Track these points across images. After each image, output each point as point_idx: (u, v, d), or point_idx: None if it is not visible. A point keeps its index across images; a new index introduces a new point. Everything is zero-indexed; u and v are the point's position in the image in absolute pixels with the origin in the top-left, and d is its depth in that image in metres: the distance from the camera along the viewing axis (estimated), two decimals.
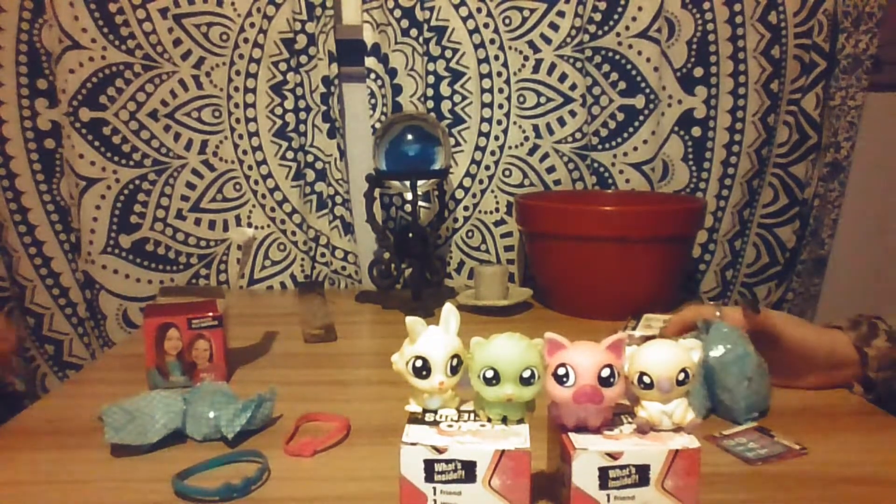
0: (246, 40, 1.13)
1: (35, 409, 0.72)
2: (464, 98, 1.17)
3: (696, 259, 1.24)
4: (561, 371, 0.47)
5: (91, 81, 1.10)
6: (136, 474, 0.58)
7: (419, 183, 1.08)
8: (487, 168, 1.20)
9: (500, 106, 1.17)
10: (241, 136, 1.17)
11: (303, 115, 1.15)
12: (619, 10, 1.13)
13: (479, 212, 1.22)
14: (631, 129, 1.17)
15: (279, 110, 1.16)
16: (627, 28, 1.13)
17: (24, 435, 0.66)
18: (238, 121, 1.16)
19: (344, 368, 0.85)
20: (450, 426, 0.49)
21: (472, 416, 0.51)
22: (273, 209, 1.20)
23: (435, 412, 0.51)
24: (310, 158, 1.17)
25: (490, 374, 0.48)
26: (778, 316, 0.72)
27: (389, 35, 1.13)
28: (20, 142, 1.14)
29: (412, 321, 0.50)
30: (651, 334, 0.83)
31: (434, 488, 0.47)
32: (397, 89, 1.16)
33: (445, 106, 1.18)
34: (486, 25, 1.14)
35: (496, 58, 1.15)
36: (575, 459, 0.46)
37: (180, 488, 0.54)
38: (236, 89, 1.15)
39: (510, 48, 1.15)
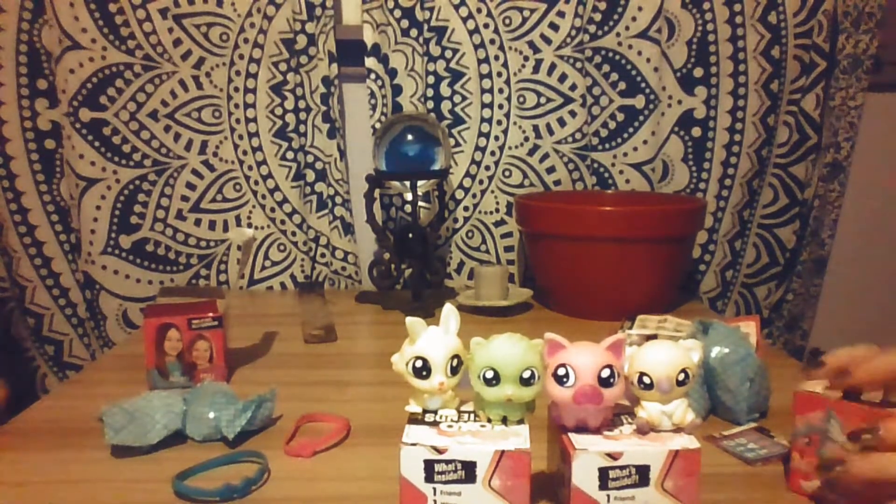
0: (246, 40, 1.13)
1: (35, 409, 0.72)
2: (464, 98, 1.17)
3: (696, 259, 1.24)
4: (561, 371, 0.47)
5: (91, 82, 1.10)
6: (136, 474, 0.58)
7: (419, 183, 1.08)
8: (487, 168, 1.20)
9: (500, 106, 1.17)
10: (241, 137, 1.17)
11: (303, 115, 1.15)
12: (619, 10, 1.13)
13: (479, 212, 1.22)
14: (631, 130, 1.18)
15: (279, 110, 1.16)
16: (627, 28, 1.14)
17: (24, 435, 0.66)
18: (238, 121, 1.16)
19: (344, 368, 0.85)
20: (450, 426, 0.49)
21: (472, 416, 0.51)
22: (273, 209, 1.20)
23: (435, 412, 0.51)
24: (310, 159, 1.17)
25: (490, 374, 0.48)
26: None
27: (389, 35, 1.13)
28: (20, 142, 1.14)
29: (412, 321, 0.50)
30: (652, 334, 0.83)
31: (434, 488, 0.47)
32: (397, 89, 1.16)
33: (445, 106, 1.18)
34: (486, 26, 1.14)
35: (496, 58, 1.15)
36: (575, 460, 0.46)
37: (180, 489, 0.54)
38: (236, 89, 1.15)
39: (510, 48, 1.15)
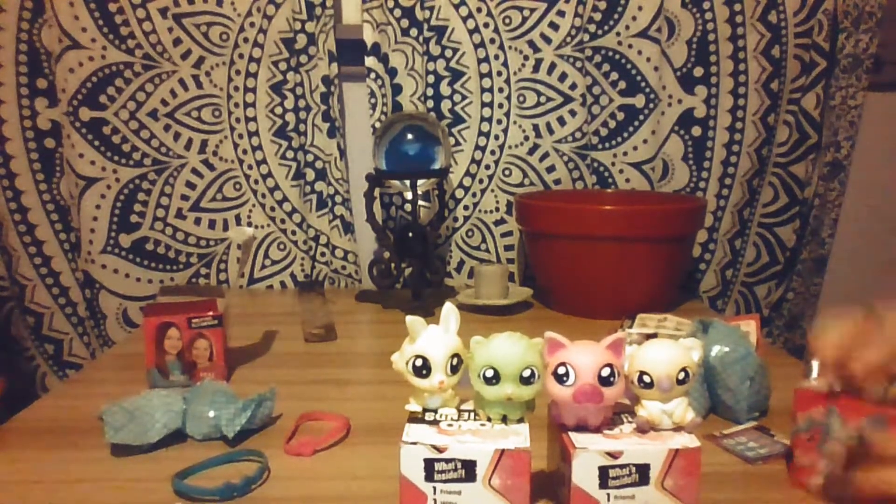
0: (246, 40, 1.13)
1: (35, 409, 0.72)
2: (464, 97, 1.17)
3: (696, 259, 1.24)
4: (561, 370, 0.47)
5: (91, 81, 1.10)
6: (136, 474, 0.58)
7: (419, 182, 1.08)
8: (487, 167, 1.20)
9: (500, 105, 1.17)
10: (240, 136, 1.17)
11: (303, 114, 1.15)
12: (619, 9, 1.13)
13: (479, 211, 1.22)
14: (631, 129, 1.17)
15: (279, 110, 1.16)
16: (627, 28, 1.13)
17: (24, 434, 0.66)
18: (238, 120, 1.16)
19: (344, 367, 0.85)
20: (450, 425, 0.49)
21: (472, 415, 0.51)
22: (273, 208, 1.20)
23: (435, 411, 0.51)
24: (310, 158, 1.17)
25: (490, 373, 0.48)
26: None
27: (389, 35, 1.13)
28: (20, 141, 1.14)
29: (412, 320, 0.50)
30: (652, 333, 0.83)
31: (434, 487, 0.47)
32: (397, 89, 1.16)
33: (445, 105, 1.18)
34: (486, 25, 1.14)
35: (496, 57, 1.15)
36: (575, 459, 0.46)
37: (180, 488, 0.54)
38: (236, 89, 1.15)
39: (510, 48, 1.15)
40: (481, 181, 1.21)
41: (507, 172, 1.20)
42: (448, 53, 1.15)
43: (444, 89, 1.17)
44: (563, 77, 1.15)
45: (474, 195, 1.21)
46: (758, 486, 0.56)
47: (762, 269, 1.23)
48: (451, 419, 0.50)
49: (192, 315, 0.75)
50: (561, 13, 1.13)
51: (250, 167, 1.18)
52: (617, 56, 1.15)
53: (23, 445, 0.63)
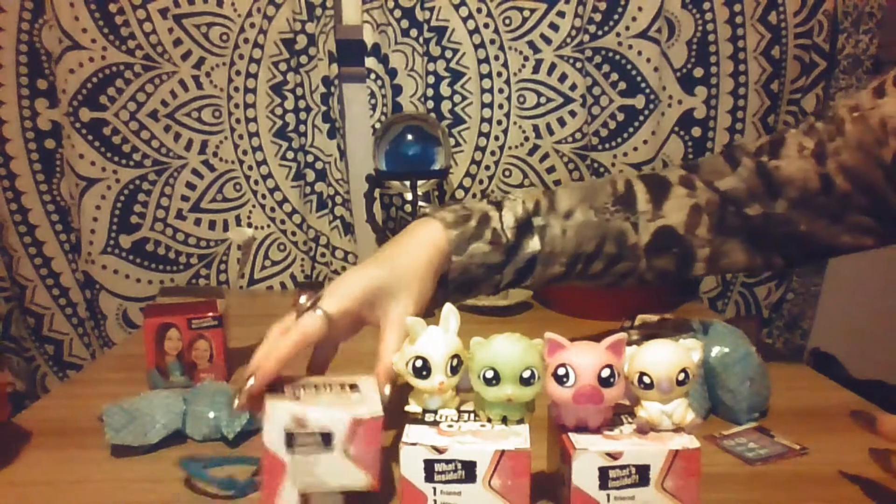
0: (246, 40, 1.13)
1: (35, 409, 0.72)
2: (464, 98, 1.17)
3: None
4: (561, 371, 0.47)
5: (91, 81, 1.10)
6: (136, 474, 0.58)
7: (419, 183, 1.08)
8: (487, 168, 1.20)
9: (501, 106, 1.17)
10: (241, 137, 1.17)
11: (303, 115, 1.15)
12: (619, 10, 1.13)
13: None
14: (631, 130, 1.17)
15: (279, 110, 1.16)
16: (627, 28, 1.13)
17: (24, 435, 0.66)
18: (238, 121, 1.16)
19: (344, 368, 0.84)
20: (450, 426, 0.49)
21: (472, 416, 0.51)
22: (273, 209, 1.20)
23: (435, 412, 0.51)
24: (310, 158, 1.17)
25: (490, 374, 0.48)
26: None
27: (389, 35, 1.13)
28: (20, 142, 1.14)
29: (412, 321, 0.50)
30: (651, 333, 0.83)
31: (434, 488, 0.47)
32: (397, 89, 1.16)
33: (445, 106, 1.18)
34: (486, 25, 1.14)
35: (496, 58, 1.15)
36: (575, 459, 0.46)
37: (188, 467, 0.54)
38: (236, 89, 1.15)
39: (510, 48, 1.15)
40: (481, 182, 1.21)
41: (507, 173, 1.20)
42: (448, 54, 1.15)
43: (445, 90, 1.17)
44: (563, 78, 1.15)
45: (474, 196, 1.21)
46: (758, 486, 0.56)
47: None
48: (451, 420, 0.50)
49: (192, 316, 0.75)
50: (561, 14, 1.13)
51: (250, 168, 1.18)
52: (617, 57, 1.15)
53: (23, 446, 0.63)
